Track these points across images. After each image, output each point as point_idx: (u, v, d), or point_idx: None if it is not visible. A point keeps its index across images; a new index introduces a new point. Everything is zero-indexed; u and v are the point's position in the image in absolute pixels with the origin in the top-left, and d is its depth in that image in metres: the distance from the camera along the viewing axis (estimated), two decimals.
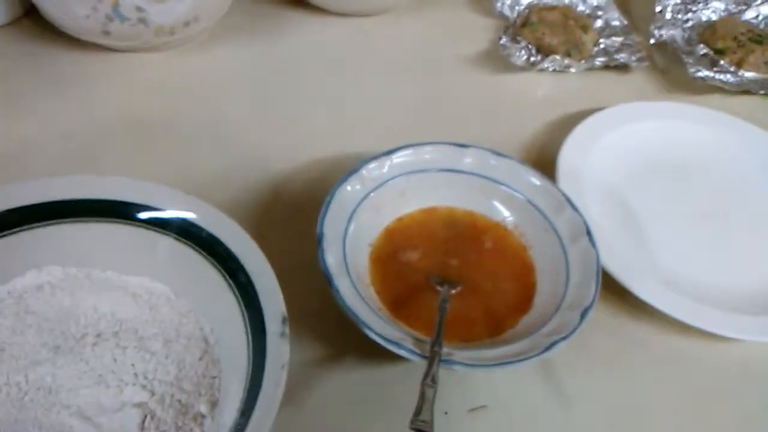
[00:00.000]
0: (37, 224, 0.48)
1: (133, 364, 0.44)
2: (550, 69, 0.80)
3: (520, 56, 0.79)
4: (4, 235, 0.47)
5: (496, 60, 0.82)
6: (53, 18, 0.70)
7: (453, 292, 0.52)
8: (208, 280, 0.47)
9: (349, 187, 0.55)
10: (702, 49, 0.84)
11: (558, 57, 0.79)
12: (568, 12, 0.84)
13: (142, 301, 0.48)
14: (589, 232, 0.54)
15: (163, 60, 0.75)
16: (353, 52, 0.82)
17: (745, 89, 0.81)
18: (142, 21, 0.68)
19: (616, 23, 0.88)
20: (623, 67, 0.83)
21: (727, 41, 0.84)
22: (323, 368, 0.51)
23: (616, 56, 0.83)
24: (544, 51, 0.81)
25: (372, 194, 0.56)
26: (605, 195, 0.65)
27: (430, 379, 0.43)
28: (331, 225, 0.52)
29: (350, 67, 0.80)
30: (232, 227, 0.48)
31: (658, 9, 0.89)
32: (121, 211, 0.49)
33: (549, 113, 0.76)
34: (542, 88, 0.80)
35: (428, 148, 0.59)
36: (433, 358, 0.44)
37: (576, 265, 0.53)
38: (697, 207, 0.67)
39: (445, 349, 0.45)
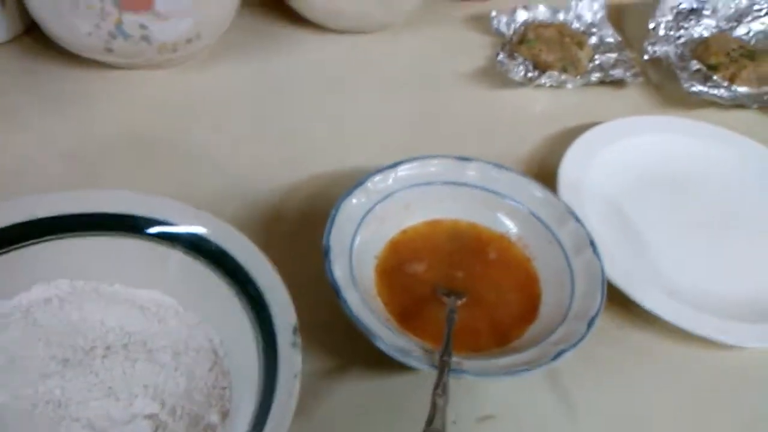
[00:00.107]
0: (46, 238, 0.48)
1: (142, 377, 0.44)
2: (547, 85, 0.81)
3: (518, 72, 0.80)
4: (13, 249, 0.47)
5: (493, 76, 0.83)
6: (55, 35, 0.70)
7: (459, 303, 0.52)
8: (217, 293, 0.47)
9: (354, 200, 0.55)
10: (695, 65, 0.85)
11: (555, 73, 0.80)
12: (563, 29, 0.86)
13: (151, 314, 0.48)
14: (592, 243, 0.55)
15: (164, 77, 0.76)
16: (352, 69, 0.83)
17: (738, 103, 0.82)
18: (145, 38, 0.68)
19: (610, 40, 0.89)
20: (618, 83, 0.85)
21: (719, 57, 0.86)
22: (332, 379, 0.51)
23: (612, 72, 0.84)
24: (541, 67, 0.82)
25: (377, 207, 0.57)
26: (605, 207, 0.66)
27: (440, 389, 0.43)
28: (337, 237, 0.52)
29: (349, 83, 0.81)
30: (241, 241, 0.48)
31: (651, 26, 0.90)
32: (130, 225, 0.49)
33: (547, 128, 0.77)
34: (540, 104, 0.81)
35: (433, 161, 0.60)
36: (443, 368, 0.44)
37: (581, 275, 0.53)
38: (694, 218, 0.68)
39: (454, 359, 0.46)
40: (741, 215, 0.70)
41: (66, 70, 0.75)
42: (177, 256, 0.49)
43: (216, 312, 0.48)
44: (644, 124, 0.76)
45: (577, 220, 0.56)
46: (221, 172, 0.66)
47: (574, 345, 0.47)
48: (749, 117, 0.82)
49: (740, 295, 0.61)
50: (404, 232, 0.59)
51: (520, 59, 0.82)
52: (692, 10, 0.93)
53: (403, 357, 0.45)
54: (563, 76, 0.81)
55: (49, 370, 0.44)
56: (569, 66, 0.81)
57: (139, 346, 0.46)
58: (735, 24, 0.94)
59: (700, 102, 0.82)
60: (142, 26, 0.67)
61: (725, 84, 0.83)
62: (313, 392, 0.49)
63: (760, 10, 0.93)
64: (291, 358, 0.42)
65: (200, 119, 0.72)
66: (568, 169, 0.66)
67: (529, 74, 0.81)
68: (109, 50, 0.69)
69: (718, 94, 0.82)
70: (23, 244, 0.47)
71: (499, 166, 0.60)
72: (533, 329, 0.52)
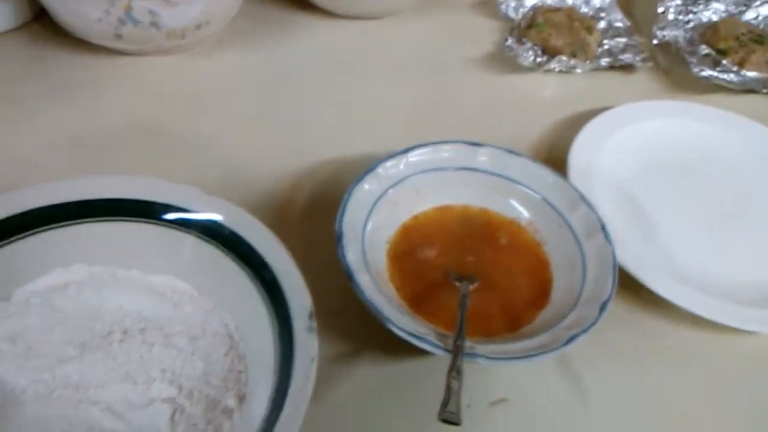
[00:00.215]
0: (63, 223, 0.48)
1: (160, 361, 0.45)
2: (557, 70, 0.81)
3: (527, 57, 0.80)
4: (30, 235, 0.47)
5: (501, 61, 0.83)
6: (64, 22, 0.70)
7: (472, 287, 0.52)
8: (232, 279, 0.48)
9: (366, 186, 0.55)
10: (704, 50, 0.85)
11: (564, 58, 0.80)
12: (572, 13, 0.86)
13: (167, 298, 0.49)
14: (604, 228, 0.55)
15: (172, 63, 0.76)
16: (360, 55, 0.83)
17: (748, 88, 0.82)
18: (155, 24, 0.68)
19: (619, 24, 0.89)
20: (628, 68, 0.85)
21: (728, 41, 0.86)
22: (345, 364, 0.51)
23: (621, 57, 0.84)
24: (550, 52, 0.82)
25: (389, 192, 0.57)
26: (615, 192, 0.66)
27: (455, 372, 0.43)
28: (350, 223, 0.53)
29: (357, 69, 0.81)
30: (255, 226, 0.48)
31: (660, 10, 0.90)
32: (146, 211, 0.49)
33: (556, 113, 0.77)
34: (549, 89, 0.81)
35: (444, 146, 0.60)
36: (456, 352, 0.45)
37: (592, 260, 0.54)
38: (704, 202, 0.68)
39: (467, 343, 0.46)
40: (751, 199, 0.70)
41: (74, 56, 0.75)
42: (192, 242, 0.49)
43: (231, 297, 0.48)
44: (654, 109, 0.75)
45: (589, 205, 0.57)
46: (230, 158, 0.67)
47: (587, 329, 0.47)
48: (758, 101, 0.82)
49: (751, 280, 0.61)
50: (415, 217, 0.59)
51: (529, 44, 0.82)
52: None
53: (417, 341, 0.45)
54: (572, 61, 0.81)
55: (67, 354, 0.45)
56: (578, 51, 0.81)
57: (156, 331, 0.46)
58: (744, 8, 0.94)
59: (709, 86, 0.82)
60: (152, 12, 0.67)
61: (734, 68, 0.82)
62: (327, 377, 0.49)
63: None
64: (307, 343, 0.42)
65: (208, 105, 0.72)
66: (578, 155, 0.66)
67: (538, 59, 0.81)
68: (119, 36, 0.69)
69: (728, 79, 0.82)
70: (40, 229, 0.48)
71: (510, 151, 0.60)
72: (545, 314, 0.52)
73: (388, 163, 0.57)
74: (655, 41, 0.88)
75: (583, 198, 0.57)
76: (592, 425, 0.51)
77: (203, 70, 0.76)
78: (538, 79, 0.82)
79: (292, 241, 0.49)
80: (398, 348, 0.49)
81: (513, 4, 0.90)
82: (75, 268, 0.49)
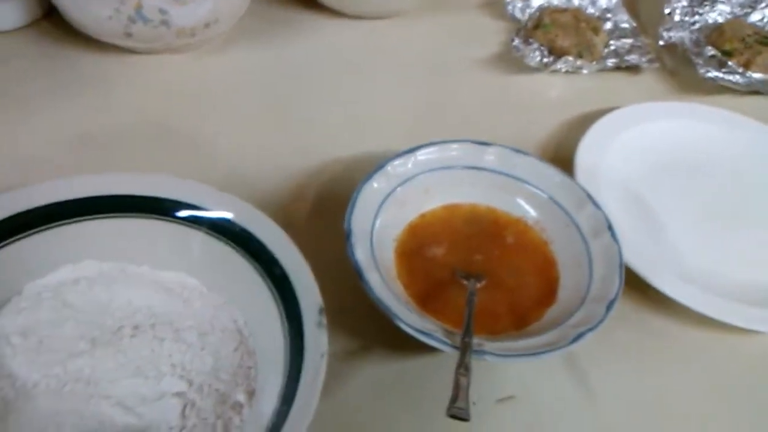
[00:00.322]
0: (74, 219, 0.49)
1: (170, 355, 0.45)
2: (563, 70, 0.82)
3: (533, 57, 0.81)
4: (42, 231, 0.48)
5: (508, 61, 0.83)
6: (74, 19, 0.71)
7: (479, 285, 0.53)
8: (242, 275, 0.48)
9: (375, 184, 0.56)
10: (710, 51, 0.85)
11: (571, 58, 0.80)
12: (578, 14, 0.86)
13: (176, 294, 0.49)
14: (610, 227, 0.55)
15: (181, 62, 0.76)
16: (367, 55, 0.83)
17: (754, 89, 0.82)
18: (164, 23, 0.69)
19: (625, 25, 0.89)
20: (634, 68, 0.85)
21: (734, 43, 0.86)
22: (353, 360, 0.51)
23: (627, 57, 0.84)
24: (557, 52, 0.82)
25: (397, 191, 0.57)
26: (621, 192, 0.66)
27: (463, 369, 0.44)
28: (358, 221, 0.53)
29: (364, 69, 0.81)
30: (265, 222, 0.49)
31: (666, 11, 0.90)
32: (156, 208, 0.49)
33: (563, 113, 0.77)
34: (555, 89, 0.82)
35: (452, 145, 0.60)
36: (465, 349, 0.45)
37: (599, 259, 0.54)
38: (710, 203, 0.69)
39: (475, 340, 0.46)
40: (756, 200, 0.70)
41: (84, 54, 0.75)
42: (202, 238, 0.49)
43: (241, 293, 0.48)
44: (660, 110, 0.76)
45: (595, 204, 0.57)
46: (238, 156, 0.67)
47: (594, 327, 0.47)
48: (764, 103, 0.83)
49: (757, 279, 0.61)
50: (423, 215, 0.59)
51: (536, 44, 0.82)
52: None
53: (425, 338, 0.46)
54: (579, 62, 0.81)
55: (78, 349, 0.45)
56: (585, 51, 0.82)
57: (167, 326, 0.47)
58: (749, 10, 0.94)
59: (715, 88, 0.83)
60: (162, 11, 0.67)
61: (740, 70, 0.83)
62: (335, 373, 0.49)
63: None
64: (317, 338, 0.42)
65: (217, 104, 0.73)
66: (584, 155, 0.66)
67: (545, 60, 0.81)
68: (129, 35, 0.70)
69: (733, 80, 0.82)
70: (51, 225, 0.48)
71: (518, 150, 0.61)
72: (552, 312, 0.53)
73: (397, 162, 0.58)
74: (661, 42, 0.88)
75: (589, 197, 0.57)
76: (598, 423, 0.51)
77: (212, 69, 0.77)
78: (544, 80, 0.82)
79: (300, 239, 0.49)
80: (406, 345, 0.50)
81: (520, 5, 0.90)
82: (85, 263, 0.49)
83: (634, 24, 0.90)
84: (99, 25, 0.69)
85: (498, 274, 0.55)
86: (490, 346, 0.47)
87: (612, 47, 0.86)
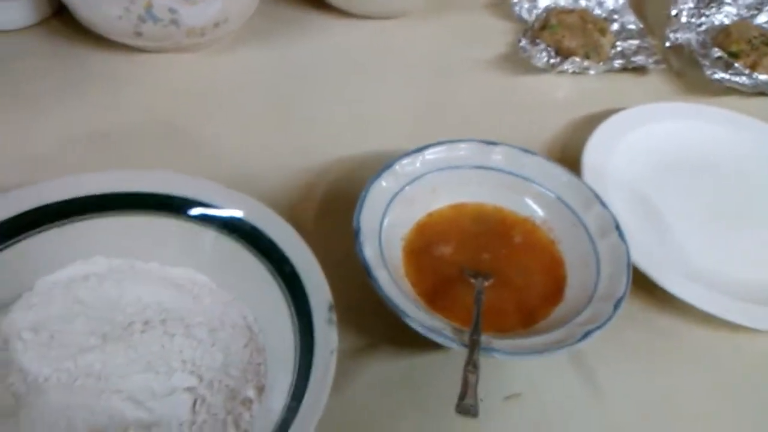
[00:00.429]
0: (84, 217, 0.49)
1: (180, 351, 0.46)
2: (570, 71, 0.82)
3: (540, 58, 0.81)
4: (52, 227, 0.48)
5: (515, 62, 0.84)
6: (84, 18, 0.71)
7: (487, 284, 0.53)
8: (252, 272, 0.48)
9: (384, 183, 0.56)
10: (717, 52, 0.85)
11: (578, 59, 0.81)
12: (585, 15, 0.86)
13: (186, 291, 0.49)
14: (618, 227, 0.55)
15: (190, 61, 0.77)
16: (374, 55, 0.84)
17: (760, 91, 0.83)
18: (174, 22, 0.69)
19: (632, 26, 0.90)
20: (640, 69, 0.85)
21: (741, 44, 0.86)
22: (361, 357, 0.52)
23: (634, 59, 0.84)
24: (563, 53, 0.82)
25: (405, 189, 0.58)
26: (628, 192, 0.66)
27: (471, 366, 0.44)
28: (367, 219, 0.53)
29: (371, 69, 0.81)
30: (275, 220, 0.49)
31: (672, 13, 0.91)
32: (166, 205, 0.50)
33: (570, 114, 0.77)
34: (562, 90, 0.82)
35: (460, 145, 0.60)
36: (473, 346, 0.45)
37: (606, 258, 0.54)
38: (717, 203, 0.69)
39: (483, 338, 0.46)
40: (762, 200, 0.71)
41: (93, 52, 0.76)
42: (211, 235, 0.50)
43: (250, 290, 0.49)
44: (666, 111, 0.76)
45: (603, 204, 0.57)
46: (246, 155, 0.67)
47: (602, 326, 0.48)
48: None
49: (763, 279, 0.61)
50: (430, 214, 0.59)
51: (543, 45, 0.82)
52: None
53: (434, 335, 0.46)
54: (585, 63, 0.81)
55: (89, 344, 0.45)
56: (591, 52, 0.82)
57: (177, 322, 0.47)
58: (756, 12, 0.94)
59: (721, 89, 0.83)
60: (172, 10, 0.67)
61: (746, 71, 0.83)
62: (343, 370, 0.49)
63: None
64: (327, 335, 0.43)
65: (225, 103, 0.73)
66: (591, 155, 0.67)
67: (552, 60, 0.81)
68: (138, 34, 0.70)
69: (740, 82, 0.82)
70: (62, 222, 0.49)
71: (525, 150, 0.61)
72: (559, 311, 0.53)
73: (405, 161, 0.58)
74: (667, 44, 0.88)
75: (597, 197, 0.58)
76: (605, 421, 0.51)
77: (220, 68, 0.77)
78: (551, 80, 0.82)
79: (308, 237, 0.49)
80: (414, 342, 0.50)
81: (526, 6, 0.90)
82: (95, 260, 0.50)
83: (641, 25, 0.90)
84: (109, 23, 0.70)
85: (505, 273, 0.56)
86: (498, 343, 0.47)
87: (619, 48, 0.86)
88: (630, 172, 0.68)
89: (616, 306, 0.49)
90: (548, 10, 0.88)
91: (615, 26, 0.90)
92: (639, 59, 0.84)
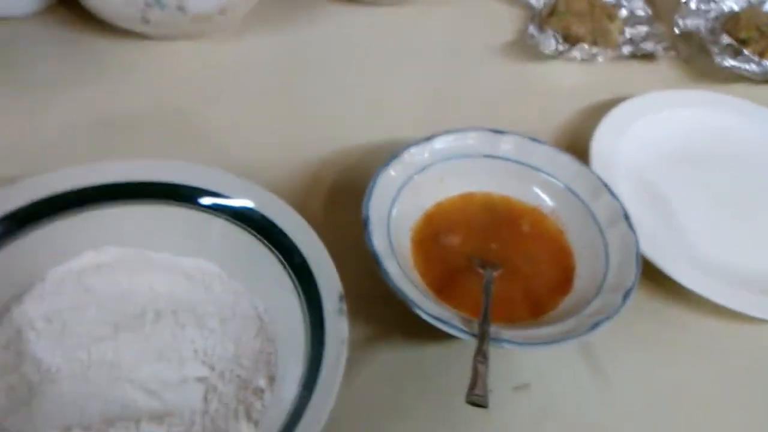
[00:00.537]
0: (95, 206, 0.49)
1: (192, 341, 0.46)
2: (578, 58, 0.81)
3: (549, 45, 0.80)
4: (64, 217, 0.48)
5: (523, 49, 0.83)
6: (91, 5, 0.71)
7: (496, 274, 0.53)
8: (263, 262, 0.48)
9: (392, 172, 0.56)
10: (726, 39, 0.85)
11: (586, 46, 0.80)
12: (594, 1, 0.85)
13: (197, 281, 0.50)
14: (627, 217, 0.55)
15: (196, 48, 0.76)
16: (382, 42, 0.83)
17: None
18: (181, 8, 0.69)
19: (640, 13, 0.89)
20: (649, 56, 0.85)
21: (750, 31, 0.85)
22: (370, 347, 0.52)
23: (642, 45, 0.84)
24: (572, 40, 0.82)
25: (413, 179, 0.58)
26: (636, 181, 0.66)
27: (481, 356, 0.44)
28: (376, 208, 0.53)
29: (379, 56, 0.81)
30: (285, 210, 0.49)
31: None
32: (176, 195, 0.50)
33: (578, 101, 0.77)
34: (570, 77, 0.81)
35: (468, 134, 0.60)
36: (483, 336, 0.45)
37: (615, 248, 0.54)
38: (726, 192, 0.69)
39: (492, 328, 0.47)
40: None
41: (99, 39, 0.75)
42: (222, 225, 0.50)
43: (261, 280, 0.49)
44: (675, 99, 0.76)
45: (612, 193, 0.57)
46: (253, 144, 0.67)
47: (611, 316, 0.48)
48: None
49: None
50: (439, 204, 0.59)
51: (551, 32, 0.82)
52: None
53: (443, 325, 0.46)
54: (594, 50, 0.81)
55: (101, 333, 0.46)
56: (600, 39, 0.81)
57: (188, 313, 0.47)
58: None
59: (730, 76, 0.83)
60: None
61: (755, 58, 0.83)
62: (353, 360, 0.49)
63: None
64: (338, 325, 0.43)
65: (232, 90, 0.73)
66: (599, 143, 0.67)
67: (560, 47, 0.81)
68: (145, 20, 0.70)
69: (749, 69, 0.82)
70: (73, 212, 0.49)
71: (534, 139, 0.61)
72: (568, 301, 0.53)
73: (413, 150, 0.58)
74: (676, 30, 0.88)
75: (605, 186, 0.58)
76: (613, 411, 0.51)
77: (227, 55, 0.77)
78: (559, 68, 0.82)
79: (317, 227, 0.50)
80: (422, 333, 0.50)
81: None
82: (107, 250, 0.50)
83: (650, 11, 0.89)
84: (115, 10, 0.69)
85: (514, 263, 0.56)
86: (507, 333, 0.47)
87: (627, 35, 0.86)
88: (638, 160, 0.68)
89: (625, 296, 0.50)
90: None
91: (624, 12, 0.89)
92: (648, 46, 0.84)
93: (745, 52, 0.83)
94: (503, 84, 0.80)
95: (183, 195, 0.50)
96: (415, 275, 0.53)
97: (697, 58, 0.87)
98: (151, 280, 0.49)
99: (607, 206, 0.57)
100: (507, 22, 0.88)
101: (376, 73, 0.78)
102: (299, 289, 0.46)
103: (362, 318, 0.53)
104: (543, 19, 0.85)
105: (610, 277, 0.52)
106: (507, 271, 0.55)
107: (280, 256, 0.48)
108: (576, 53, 0.81)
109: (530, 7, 0.89)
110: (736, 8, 0.92)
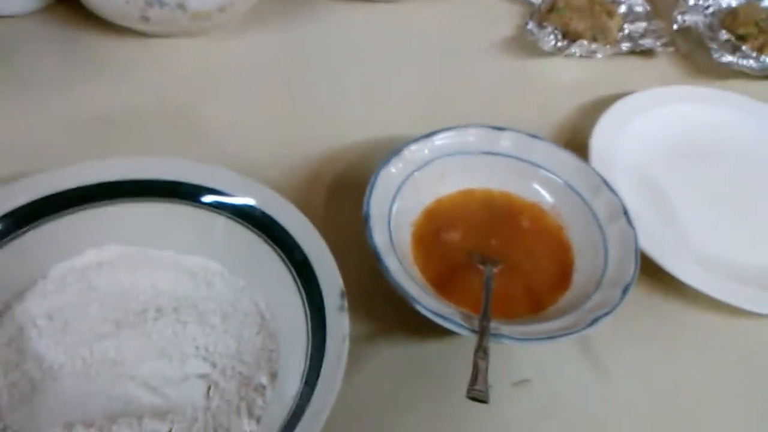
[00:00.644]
0: (97, 204, 0.49)
1: (194, 338, 0.46)
2: (577, 54, 0.82)
3: (548, 41, 0.80)
4: (66, 214, 0.49)
5: (522, 45, 0.83)
6: (90, 3, 0.71)
7: (496, 270, 0.53)
8: (263, 259, 0.49)
9: (393, 169, 0.56)
10: (724, 35, 0.85)
11: (585, 42, 0.80)
12: None
13: (199, 278, 0.50)
14: (626, 212, 0.55)
15: (196, 46, 0.77)
16: (382, 38, 0.83)
17: (767, 74, 0.82)
18: (180, 6, 0.69)
19: (639, 9, 0.89)
20: (648, 52, 0.85)
21: (748, 27, 0.86)
22: (371, 343, 0.52)
23: (641, 41, 0.84)
24: (571, 36, 0.82)
25: (414, 175, 0.58)
26: (635, 177, 0.66)
27: (481, 352, 0.44)
28: (377, 205, 0.53)
29: (379, 53, 0.81)
30: (286, 207, 0.49)
31: None
32: (178, 192, 0.50)
33: (577, 97, 0.77)
34: (569, 73, 0.82)
35: (468, 130, 0.60)
36: (483, 332, 0.46)
37: (614, 244, 0.54)
38: (724, 187, 0.69)
39: (492, 324, 0.47)
40: None
41: (99, 37, 0.76)
42: (223, 223, 0.50)
43: (262, 277, 0.49)
44: (674, 94, 0.76)
45: (611, 189, 0.57)
46: (253, 141, 0.67)
47: (610, 312, 0.48)
48: None
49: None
50: (439, 200, 0.60)
51: (550, 28, 0.82)
52: None
53: (444, 321, 0.46)
54: (593, 46, 0.81)
55: (104, 331, 0.46)
56: (599, 35, 0.82)
57: (190, 310, 0.48)
58: None
59: (729, 72, 0.83)
60: None
61: (754, 54, 0.83)
62: (353, 356, 0.49)
63: None
64: (339, 321, 0.43)
65: (232, 88, 0.73)
66: (599, 139, 0.67)
67: (559, 43, 0.81)
68: (145, 18, 0.70)
69: (747, 65, 0.82)
70: (75, 209, 0.49)
71: (534, 135, 0.61)
72: (567, 296, 0.53)
73: (413, 147, 0.58)
74: (675, 26, 0.88)
75: (605, 182, 0.58)
76: (612, 406, 0.52)
77: (227, 53, 0.77)
78: (558, 64, 0.82)
79: (317, 224, 0.50)
80: (423, 328, 0.50)
81: None
82: (109, 247, 0.50)
83: (649, 8, 0.90)
84: (115, 8, 0.69)
85: (514, 259, 0.56)
86: (507, 329, 0.47)
87: (626, 31, 0.86)
88: (637, 156, 0.68)
89: (624, 292, 0.50)
90: None
91: (622, 8, 0.89)
92: (647, 42, 0.84)
93: (744, 47, 0.83)
94: (503, 80, 0.80)
95: (185, 193, 0.50)
96: (416, 271, 0.53)
97: (696, 54, 0.87)
98: (153, 277, 0.49)
99: (606, 202, 0.57)
100: (506, 18, 0.89)
101: (376, 70, 0.78)
102: (300, 286, 0.46)
103: (363, 314, 0.53)
104: (542, 15, 0.85)
105: (609, 272, 0.53)
106: (507, 267, 0.55)
107: (282, 253, 0.48)
108: (575, 49, 0.81)
109: (529, 4, 0.89)
110: (734, 4, 0.92)
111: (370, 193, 0.53)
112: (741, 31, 0.86)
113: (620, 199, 0.56)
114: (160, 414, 0.42)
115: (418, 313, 0.47)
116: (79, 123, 0.66)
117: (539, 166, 0.60)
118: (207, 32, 0.77)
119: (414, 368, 0.51)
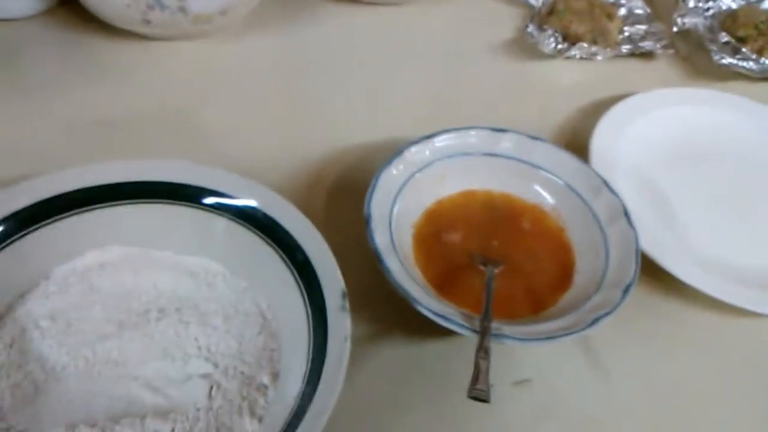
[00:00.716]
0: (100, 206, 0.50)
1: (196, 338, 0.46)
2: (577, 56, 0.82)
3: (548, 44, 0.81)
4: (69, 216, 0.49)
5: (522, 48, 0.84)
6: (92, 6, 0.71)
7: (497, 271, 0.53)
8: (265, 260, 0.49)
9: (394, 170, 0.56)
10: (724, 37, 0.85)
11: (585, 44, 0.81)
12: (593, 0, 0.86)
13: (200, 279, 0.50)
14: (626, 213, 0.56)
15: (198, 48, 0.77)
16: (382, 41, 0.84)
17: (767, 76, 0.83)
18: (182, 9, 0.69)
19: (639, 11, 0.89)
20: (648, 55, 0.85)
21: (748, 29, 0.86)
22: (373, 344, 0.52)
23: (641, 44, 0.84)
24: (571, 39, 0.82)
25: (415, 176, 0.58)
26: (635, 178, 0.67)
27: (482, 352, 0.44)
28: (378, 206, 0.54)
29: (379, 55, 0.81)
30: (287, 209, 0.50)
31: None
32: (180, 194, 0.50)
33: (577, 100, 0.77)
34: (569, 76, 0.82)
35: (469, 132, 0.61)
36: (484, 332, 0.46)
37: (615, 245, 0.54)
38: (724, 188, 0.69)
39: (493, 324, 0.47)
40: None
41: (100, 40, 0.76)
42: (225, 224, 0.50)
43: (264, 277, 0.49)
44: (674, 96, 0.76)
45: (611, 190, 0.57)
46: (254, 143, 0.67)
47: (611, 312, 0.48)
48: None
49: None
50: (440, 202, 0.60)
51: (550, 31, 0.82)
52: None
53: (445, 322, 0.46)
54: (593, 48, 0.81)
55: (106, 331, 0.46)
56: (599, 37, 0.82)
57: (192, 310, 0.48)
58: None
59: (729, 74, 0.83)
60: None
61: (753, 56, 0.83)
62: (354, 356, 0.50)
63: None
64: (340, 322, 0.43)
65: (233, 91, 0.73)
66: (599, 141, 0.67)
67: (559, 46, 0.81)
68: (146, 21, 0.70)
69: (747, 67, 0.82)
70: (78, 211, 0.49)
71: (534, 137, 0.61)
72: (568, 297, 0.53)
73: (414, 148, 0.58)
74: (675, 28, 0.88)
75: (605, 183, 0.58)
76: (613, 406, 0.52)
77: (228, 56, 0.77)
78: (558, 66, 0.83)
79: (319, 225, 0.50)
80: (424, 329, 0.51)
81: None
82: (111, 249, 0.50)
83: (649, 10, 0.90)
84: (117, 12, 0.70)
85: (515, 260, 0.56)
86: (508, 329, 0.47)
87: (626, 33, 0.86)
88: (637, 157, 0.69)
89: (625, 292, 0.50)
90: None
91: (622, 11, 0.89)
92: (647, 44, 0.84)
93: (744, 49, 0.83)
94: (503, 82, 0.80)
95: (187, 194, 0.51)
96: (417, 272, 0.54)
97: (696, 56, 0.87)
98: (155, 278, 0.49)
99: (607, 203, 0.57)
100: (507, 21, 0.89)
101: (377, 73, 0.78)
102: (302, 287, 0.47)
103: (364, 315, 0.53)
104: (542, 18, 0.85)
105: (610, 273, 0.53)
106: (508, 268, 0.55)
107: (283, 254, 0.48)
108: (575, 52, 0.81)
109: (530, 6, 0.90)
110: (734, 6, 0.92)
111: (371, 194, 0.54)
112: (741, 33, 0.86)
113: (621, 200, 0.57)
114: (163, 414, 0.42)
115: (419, 314, 0.47)
116: (81, 126, 0.66)
117: (540, 168, 0.60)
118: (208, 35, 0.77)
119: (415, 368, 0.52)
